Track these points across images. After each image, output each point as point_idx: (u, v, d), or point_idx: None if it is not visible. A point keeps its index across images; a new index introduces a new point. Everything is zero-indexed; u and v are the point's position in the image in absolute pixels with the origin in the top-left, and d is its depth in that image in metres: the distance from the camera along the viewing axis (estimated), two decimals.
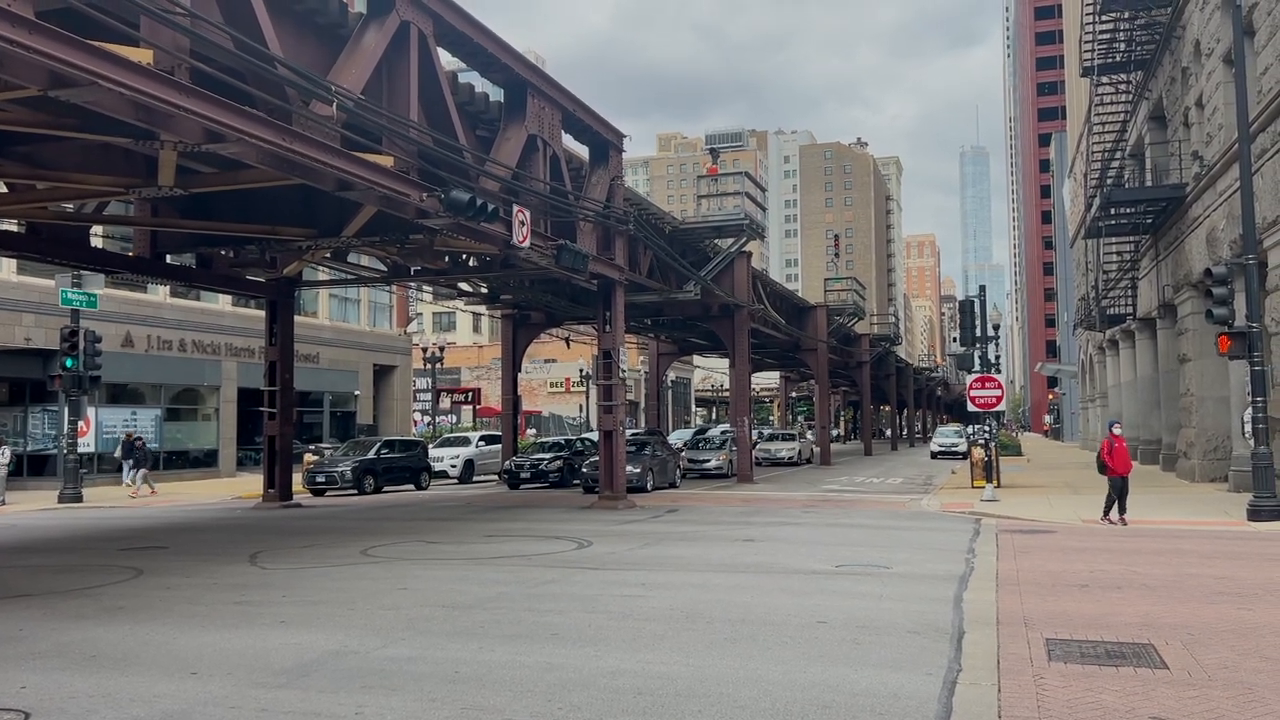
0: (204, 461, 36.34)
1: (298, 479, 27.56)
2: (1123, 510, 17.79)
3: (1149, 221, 30.48)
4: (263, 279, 24.93)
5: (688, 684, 6.94)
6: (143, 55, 10.45)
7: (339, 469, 28.24)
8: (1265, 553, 13.74)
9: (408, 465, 30.49)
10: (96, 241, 25.39)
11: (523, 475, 30.52)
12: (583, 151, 23.20)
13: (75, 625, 9.32)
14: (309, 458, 31.90)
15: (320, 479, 28.06)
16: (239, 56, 11.85)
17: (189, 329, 35.16)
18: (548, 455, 31.80)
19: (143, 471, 28.47)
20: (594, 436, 37.03)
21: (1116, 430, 18.44)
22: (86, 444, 27.16)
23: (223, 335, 36.49)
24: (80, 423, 26.08)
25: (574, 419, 61.62)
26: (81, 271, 24.18)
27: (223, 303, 36.41)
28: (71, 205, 18.92)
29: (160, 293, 33.94)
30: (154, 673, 7.46)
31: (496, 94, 19.49)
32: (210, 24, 11.44)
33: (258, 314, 32.09)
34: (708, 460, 34.21)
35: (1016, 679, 6.92)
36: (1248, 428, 18.59)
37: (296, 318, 27.35)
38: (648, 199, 29.37)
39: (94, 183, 15.96)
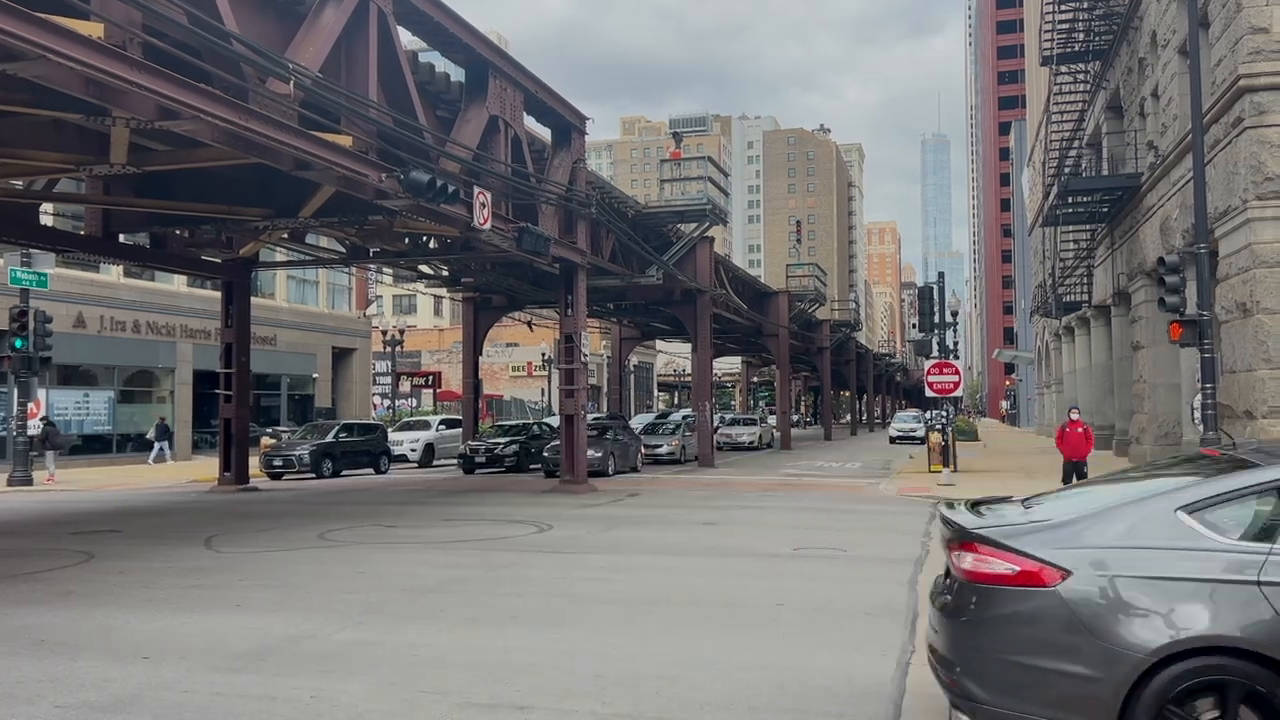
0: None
1: (255, 462, 27.27)
2: None
3: (1105, 210, 30.92)
4: (219, 259, 24.56)
5: (646, 666, 6.97)
6: (93, 29, 10.23)
7: (296, 452, 27.99)
8: None
9: (367, 449, 30.27)
10: (47, 220, 24.88)
11: (478, 460, 30.05)
12: (545, 134, 23.07)
13: (24, 610, 9.17)
14: (266, 441, 31.57)
15: (277, 462, 27.79)
16: (193, 32, 11.63)
17: (143, 310, 34.59)
18: (503, 440, 31.29)
19: (53, 454, 27.68)
20: (552, 421, 36.91)
21: (1074, 415, 18.89)
22: (36, 426, 26.66)
23: (178, 317, 35.94)
24: (30, 404, 25.59)
25: (536, 403, 61.52)
26: (31, 250, 23.68)
27: (178, 283, 35.83)
28: (20, 182, 18.49)
29: (113, 273, 33.34)
30: (105, 657, 7.36)
31: (458, 74, 19.31)
32: None
33: (214, 295, 31.63)
34: (659, 446, 33.91)
35: None
36: (1197, 414, 18.96)
37: (253, 299, 27.02)
38: (611, 183, 29.30)
39: (44, 159, 15.61)
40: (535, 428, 33.68)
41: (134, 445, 34.65)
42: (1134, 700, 4.37)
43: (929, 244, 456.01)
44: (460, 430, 34.50)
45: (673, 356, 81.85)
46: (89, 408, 33.06)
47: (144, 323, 34.62)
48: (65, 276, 30.12)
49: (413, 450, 33.84)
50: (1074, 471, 18.31)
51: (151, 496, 22.38)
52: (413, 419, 42.18)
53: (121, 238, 22.41)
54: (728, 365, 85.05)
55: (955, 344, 29.63)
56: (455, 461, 32.60)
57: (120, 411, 34.22)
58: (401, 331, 49.88)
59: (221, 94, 11.97)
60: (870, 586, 10.04)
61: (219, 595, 9.85)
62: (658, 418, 44.06)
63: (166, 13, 11.25)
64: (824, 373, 61.28)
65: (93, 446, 32.85)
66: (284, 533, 15.05)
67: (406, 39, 16.71)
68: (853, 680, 6.60)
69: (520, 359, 68.83)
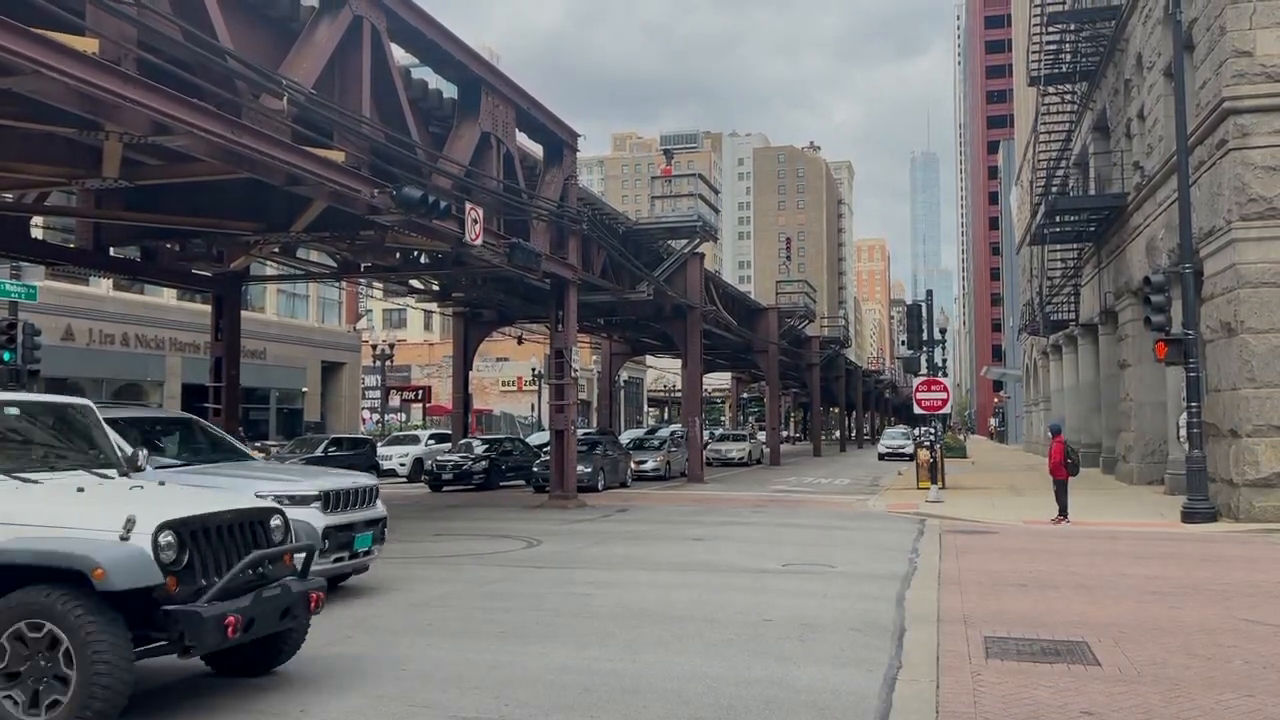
0: None
1: None
2: (1065, 512, 18.35)
3: (1092, 229, 31.18)
4: (209, 273, 24.54)
5: (633, 680, 7.00)
6: (88, 44, 10.28)
7: None
8: (1197, 554, 14.15)
9: (355, 463, 30.06)
10: (37, 232, 24.82)
11: (445, 476, 28.55)
12: (537, 150, 23.17)
13: None
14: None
15: None
16: (187, 48, 11.70)
17: (132, 323, 34.50)
18: (473, 456, 29.66)
19: None
20: (534, 438, 36.76)
21: (1049, 434, 19.21)
22: None
23: (167, 330, 35.86)
24: None
25: (526, 418, 61.43)
26: (20, 263, 23.62)
27: (167, 296, 35.76)
28: (11, 195, 18.48)
29: (103, 285, 33.25)
30: None
31: (450, 90, 19.41)
32: (158, 14, 11.28)
33: (203, 308, 31.55)
34: (645, 462, 33.19)
35: (955, 676, 7.08)
36: (1183, 432, 19.12)
37: (243, 313, 26.95)
38: (602, 198, 29.43)
39: (35, 172, 15.61)
40: (507, 444, 32.59)
41: None
42: None
43: (918, 261, 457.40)
44: (450, 445, 34.41)
45: (663, 372, 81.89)
46: None
47: (133, 335, 34.54)
48: (54, 289, 30.03)
49: (402, 465, 33.75)
50: (1056, 489, 18.56)
51: None
52: (402, 433, 42.10)
53: (112, 251, 22.41)
54: (717, 381, 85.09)
55: (944, 361, 29.78)
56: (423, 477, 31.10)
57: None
58: (391, 345, 49.84)
59: (215, 109, 12.02)
60: (858, 603, 10.09)
61: None
62: (646, 433, 43.95)
63: (161, 28, 11.32)
64: (813, 389, 61.39)
65: None
66: None
67: (399, 55, 16.81)
68: (840, 695, 6.65)
69: (510, 373, 68.77)
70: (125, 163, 14.99)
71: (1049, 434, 19.76)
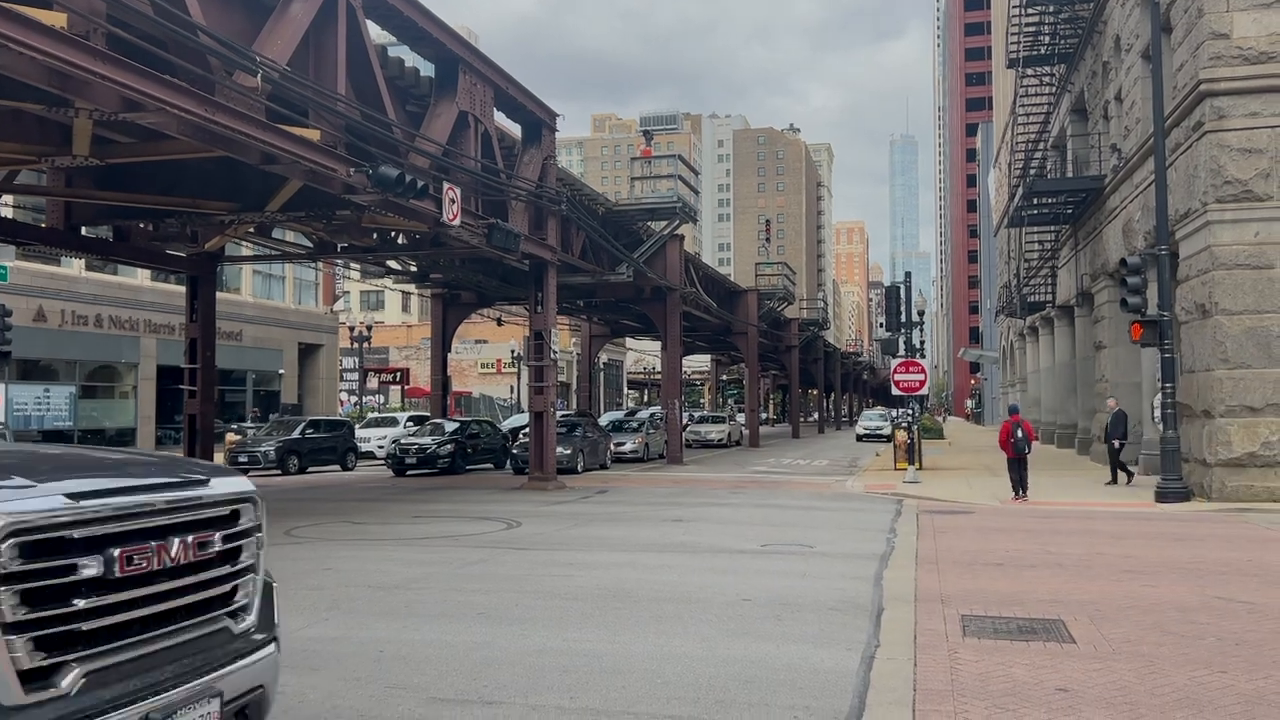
0: (120, 440, 35.37)
1: (219, 459, 26.99)
2: (1017, 490, 18.99)
3: (1069, 212, 31.33)
4: (183, 253, 24.27)
5: (613, 661, 7.00)
6: (56, 19, 10.09)
7: (262, 449, 27.74)
8: (1170, 533, 14.30)
9: (333, 446, 30.03)
10: (6, 212, 24.46)
11: (409, 460, 27.69)
12: (515, 130, 23.01)
13: None
14: (231, 437, 31.26)
15: (243, 459, 27.54)
16: (159, 23, 11.50)
17: (106, 304, 34.12)
18: (437, 439, 28.51)
19: None
20: (505, 419, 36.54)
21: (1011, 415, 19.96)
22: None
23: (141, 311, 35.50)
24: None
25: (505, 400, 61.32)
26: None
27: (141, 277, 35.38)
28: None
29: (75, 266, 32.86)
30: None
31: (428, 69, 19.23)
32: None
33: (178, 289, 31.22)
34: (624, 444, 33.02)
35: (932, 654, 7.11)
36: (1157, 413, 19.30)
37: (219, 294, 26.69)
38: (581, 180, 29.29)
39: (4, 150, 15.35)
40: (474, 426, 31.46)
41: (96, 441, 34.19)
42: None
43: (896, 244, 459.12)
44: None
45: (642, 354, 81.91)
46: (49, 403, 32.57)
47: (106, 317, 34.16)
48: (25, 269, 29.65)
49: (380, 447, 33.60)
50: (1009, 467, 19.40)
51: None
52: (380, 416, 41.92)
53: (84, 230, 22.11)
54: (697, 363, 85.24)
55: (922, 343, 29.94)
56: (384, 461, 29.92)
57: (82, 407, 33.75)
58: (369, 327, 49.52)
59: (187, 86, 11.84)
60: (836, 582, 10.13)
61: None
62: (626, 415, 43.89)
63: (131, 3, 11.13)
64: (792, 371, 61.60)
65: (53, 442, 32.37)
66: None
67: (376, 33, 16.62)
68: (818, 673, 6.67)
69: (489, 356, 68.58)
70: (96, 140, 14.78)
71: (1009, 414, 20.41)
